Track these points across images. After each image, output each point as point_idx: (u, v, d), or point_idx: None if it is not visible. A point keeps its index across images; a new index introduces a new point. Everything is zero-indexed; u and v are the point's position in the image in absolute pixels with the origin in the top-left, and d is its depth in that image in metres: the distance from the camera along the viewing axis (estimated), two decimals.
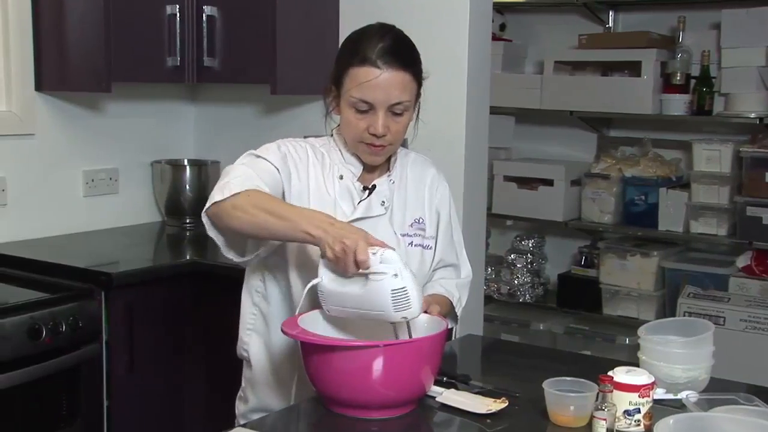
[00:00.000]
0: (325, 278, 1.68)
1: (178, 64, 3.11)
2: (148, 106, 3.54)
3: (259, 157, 1.85)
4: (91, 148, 3.31)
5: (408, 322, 1.71)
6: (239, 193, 1.73)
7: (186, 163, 3.56)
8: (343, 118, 1.86)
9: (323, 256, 1.65)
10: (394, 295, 1.61)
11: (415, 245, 1.96)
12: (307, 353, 1.67)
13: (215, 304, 2.81)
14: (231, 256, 1.87)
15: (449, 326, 1.92)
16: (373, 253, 1.61)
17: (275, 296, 1.94)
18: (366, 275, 1.62)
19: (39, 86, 3.09)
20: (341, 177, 1.91)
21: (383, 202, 1.92)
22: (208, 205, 1.78)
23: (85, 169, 3.29)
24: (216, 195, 1.75)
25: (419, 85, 1.87)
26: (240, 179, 1.76)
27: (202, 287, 2.88)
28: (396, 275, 1.61)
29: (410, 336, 1.72)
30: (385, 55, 1.78)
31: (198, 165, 3.52)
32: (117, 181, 3.41)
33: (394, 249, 1.65)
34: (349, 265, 1.61)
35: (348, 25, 3.05)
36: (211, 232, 1.82)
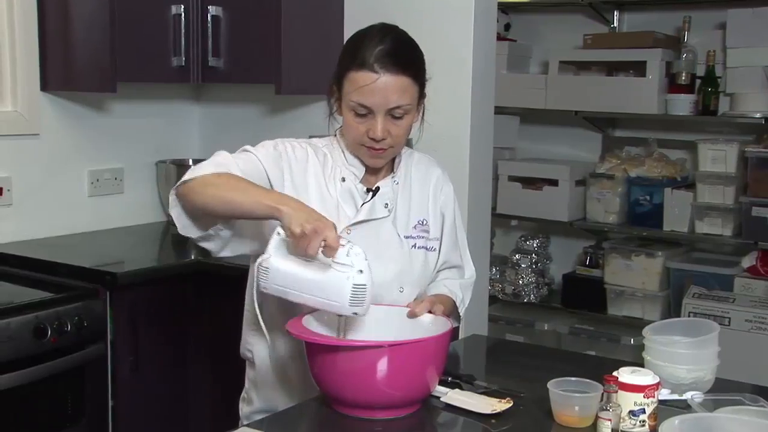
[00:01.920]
0: (275, 255, 1.66)
1: (183, 64, 3.11)
2: (153, 106, 3.55)
3: (247, 151, 1.85)
4: (96, 148, 3.31)
5: (346, 321, 1.73)
6: (211, 173, 1.74)
7: (191, 163, 3.55)
8: (344, 121, 1.85)
9: (283, 232, 1.64)
10: (354, 289, 1.61)
11: (418, 247, 1.95)
12: (312, 353, 1.67)
13: (220, 304, 2.81)
14: (189, 234, 1.83)
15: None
16: (342, 245, 1.62)
17: (272, 295, 1.93)
18: (328, 263, 1.62)
19: (44, 86, 3.09)
20: (343, 179, 1.90)
21: (387, 204, 1.91)
22: (177, 184, 1.77)
23: (90, 169, 3.30)
24: (187, 175, 1.76)
25: (421, 87, 1.84)
26: (215, 163, 1.77)
27: (207, 287, 2.88)
28: (361, 271, 1.61)
29: (344, 336, 1.74)
30: (383, 59, 1.76)
31: None
32: (122, 181, 3.41)
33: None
34: (314, 246, 1.59)
35: (353, 24, 3.05)
36: (173, 211, 1.81)
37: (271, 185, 1.83)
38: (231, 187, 1.71)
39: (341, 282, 1.62)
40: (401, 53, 1.81)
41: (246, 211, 1.71)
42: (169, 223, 3.51)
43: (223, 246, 1.86)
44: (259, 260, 1.67)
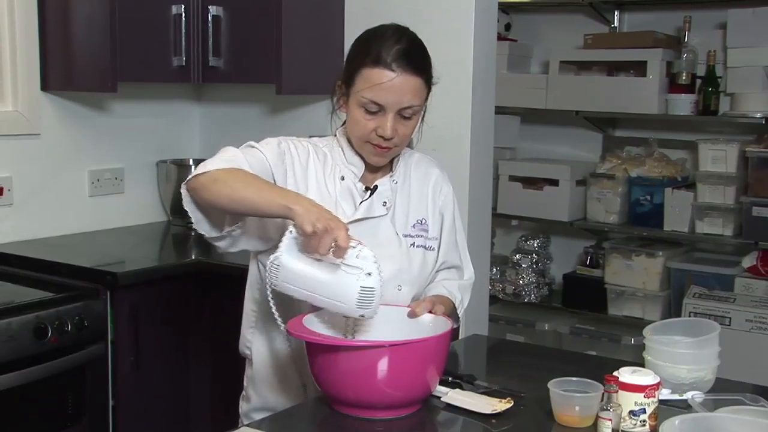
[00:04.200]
0: (286, 253, 1.66)
1: (184, 64, 3.11)
2: (153, 106, 3.55)
3: (254, 147, 1.85)
4: (96, 147, 3.32)
5: (354, 323, 1.73)
6: (221, 168, 1.73)
7: (191, 162, 3.57)
8: (351, 117, 1.85)
9: (295, 231, 1.64)
10: (362, 292, 1.61)
11: (417, 246, 1.95)
12: (313, 353, 1.67)
13: (220, 303, 2.81)
14: (202, 230, 1.83)
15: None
16: (353, 246, 1.62)
17: (278, 293, 1.93)
18: (338, 264, 1.62)
19: (45, 86, 3.09)
20: (342, 178, 1.90)
21: (385, 202, 1.92)
22: (188, 178, 1.77)
23: (90, 169, 3.30)
24: (198, 169, 1.75)
25: (429, 89, 1.86)
26: (225, 159, 1.77)
27: (208, 287, 2.88)
28: (370, 274, 1.61)
29: (352, 337, 1.74)
30: (401, 59, 1.77)
31: None
32: (122, 181, 3.41)
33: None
34: (325, 245, 1.59)
35: (353, 25, 3.06)
36: (187, 206, 1.80)
37: (275, 182, 1.83)
38: (242, 184, 1.71)
39: (350, 284, 1.62)
40: (417, 55, 1.82)
41: (258, 209, 1.71)
42: (170, 223, 3.51)
43: (233, 243, 1.86)
44: (271, 258, 1.67)
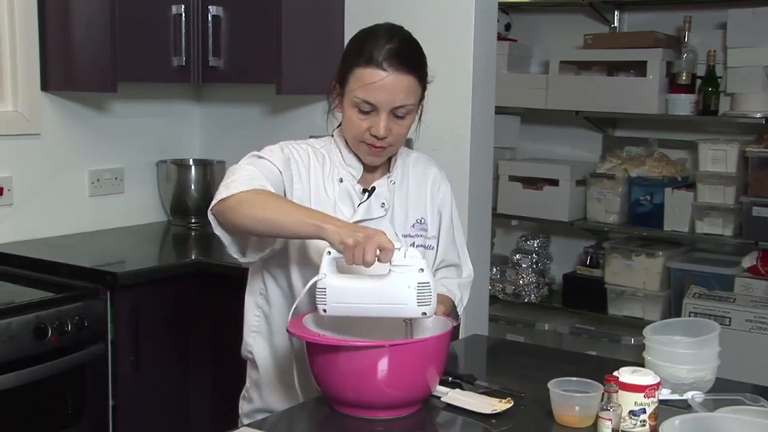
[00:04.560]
0: (330, 274, 1.65)
1: (184, 64, 3.11)
2: (153, 106, 3.55)
3: (262, 158, 1.84)
4: (96, 147, 3.32)
5: (411, 324, 1.71)
6: (245, 190, 1.73)
7: (191, 162, 3.57)
8: (346, 117, 1.86)
9: (333, 251, 1.63)
10: (420, 288, 1.60)
11: (416, 246, 1.95)
12: (313, 353, 1.67)
13: (220, 303, 2.81)
14: (236, 254, 1.85)
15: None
16: (398, 248, 1.60)
17: (277, 298, 1.94)
18: (386, 270, 1.61)
19: (45, 86, 3.09)
20: (341, 180, 1.90)
21: (383, 203, 1.92)
22: (214, 202, 1.76)
23: (90, 169, 3.30)
24: (222, 192, 1.74)
25: (424, 88, 1.86)
26: (246, 178, 1.76)
27: (208, 287, 2.88)
28: (422, 270, 1.61)
29: (412, 336, 1.71)
30: (392, 58, 1.77)
31: (203, 165, 3.52)
32: (122, 181, 3.41)
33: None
34: (371, 251, 1.56)
35: (353, 24, 3.06)
36: (218, 230, 1.80)
37: (284, 189, 1.83)
38: (270, 206, 1.70)
39: (405, 284, 1.60)
40: (409, 53, 1.82)
41: (289, 231, 1.71)
42: (170, 223, 3.51)
43: (263, 261, 1.90)
44: (313, 282, 1.65)
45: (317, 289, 1.64)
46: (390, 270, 1.61)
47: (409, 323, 1.72)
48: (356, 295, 1.64)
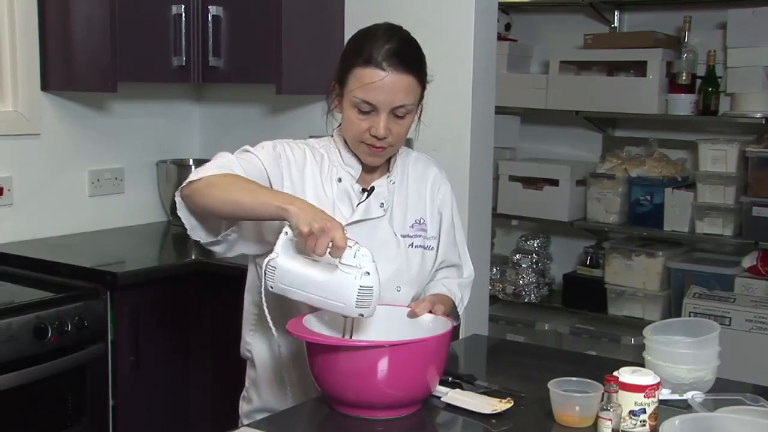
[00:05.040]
0: (282, 255, 1.66)
1: (184, 64, 3.11)
2: (153, 106, 3.55)
3: (249, 152, 1.85)
4: (96, 147, 3.32)
5: (353, 322, 1.73)
6: (215, 174, 1.73)
7: (191, 163, 3.57)
8: (345, 117, 1.86)
9: (291, 232, 1.63)
10: (361, 291, 1.61)
11: (416, 246, 1.95)
12: (313, 353, 1.67)
13: (220, 303, 2.81)
14: (197, 237, 1.83)
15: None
16: (350, 246, 1.61)
17: (273, 296, 1.93)
18: (336, 264, 1.62)
19: (45, 86, 3.09)
20: (340, 180, 1.90)
21: (382, 203, 1.91)
22: (182, 185, 1.77)
23: (90, 169, 3.30)
24: (192, 176, 1.76)
25: (423, 88, 1.86)
26: (219, 164, 1.77)
27: (208, 287, 2.88)
28: (368, 273, 1.61)
29: (350, 337, 1.73)
30: (391, 58, 1.77)
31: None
32: (122, 181, 3.41)
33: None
34: (322, 245, 1.58)
35: (353, 24, 3.05)
36: (181, 213, 1.81)
37: (271, 186, 1.83)
38: (236, 188, 1.71)
39: (348, 283, 1.61)
40: (408, 53, 1.82)
41: (253, 211, 1.70)
42: (170, 223, 3.51)
43: (230, 248, 1.86)
44: (266, 259, 1.67)
45: (268, 266, 1.66)
46: (338, 267, 1.62)
47: (350, 320, 1.74)
48: (301, 283, 1.65)
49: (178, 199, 1.80)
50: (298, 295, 1.67)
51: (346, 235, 1.61)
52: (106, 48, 2.89)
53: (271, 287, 1.68)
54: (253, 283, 1.97)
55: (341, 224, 1.63)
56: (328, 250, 1.60)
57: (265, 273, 1.68)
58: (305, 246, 1.61)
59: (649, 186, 3.91)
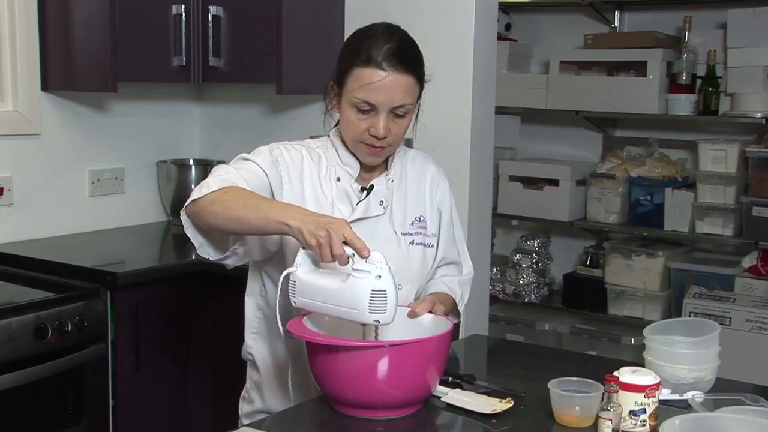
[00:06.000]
0: (302, 268, 1.65)
1: (184, 64, 3.11)
2: (154, 106, 3.55)
3: (247, 159, 1.85)
4: (97, 147, 3.32)
5: (377, 328, 1.69)
6: (217, 189, 1.73)
7: (192, 163, 3.57)
8: (344, 117, 1.85)
9: (304, 246, 1.62)
10: (373, 296, 1.58)
11: (416, 244, 1.95)
12: (313, 353, 1.67)
13: (221, 303, 2.81)
14: (206, 254, 1.84)
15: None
16: None
17: (275, 299, 1.93)
18: (349, 272, 1.60)
19: (45, 86, 3.09)
20: (338, 179, 1.90)
21: (382, 201, 1.92)
22: (186, 203, 1.77)
23: (90, 169, 3.30)
24: (195, 193, 1.75)
25: (421, 87, 1.86)
26: (220, 178, 1.76)
27: (208, 287, 2.88)
28: (379, 276, 1.58)
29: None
30: (391, 57, 1.77)
31: (204, 165, 3.52)
32: (123, 181, 3.41)
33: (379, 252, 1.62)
34: (338, 246, 1.56)
35: (354, 24, 3.03)
36: (189, 231, 1.81)
37: (271, 190, 1.83)
38: (238, 204, 1.69)
39: (360, 289, 1.58)
40: (408, 53, 1.82)
41: (257, 229, 1.70)
42: (170, 223, 3.52)
43: (239, 260, 1.87)
44: (284, 273, 1.67)
45: (290, 281, 1.66)
46: (351, 274, 1.59)
47: (367, 329, 1.71)
48: (318, 294, 1.64)
49: (184, 218, 1.80)
50: (318, 307, 1.66)
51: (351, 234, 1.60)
52: (106, 48, 2.89)
53: (294, 302, 1.67)
54: (257, 288, 1.97)
55: (345, 220, 1.63)
56: (348, 252, 1.57)
57: (288, 288, 1.66)
58: (322, 258, 1.59)
59: (649, 186, 3.91)
